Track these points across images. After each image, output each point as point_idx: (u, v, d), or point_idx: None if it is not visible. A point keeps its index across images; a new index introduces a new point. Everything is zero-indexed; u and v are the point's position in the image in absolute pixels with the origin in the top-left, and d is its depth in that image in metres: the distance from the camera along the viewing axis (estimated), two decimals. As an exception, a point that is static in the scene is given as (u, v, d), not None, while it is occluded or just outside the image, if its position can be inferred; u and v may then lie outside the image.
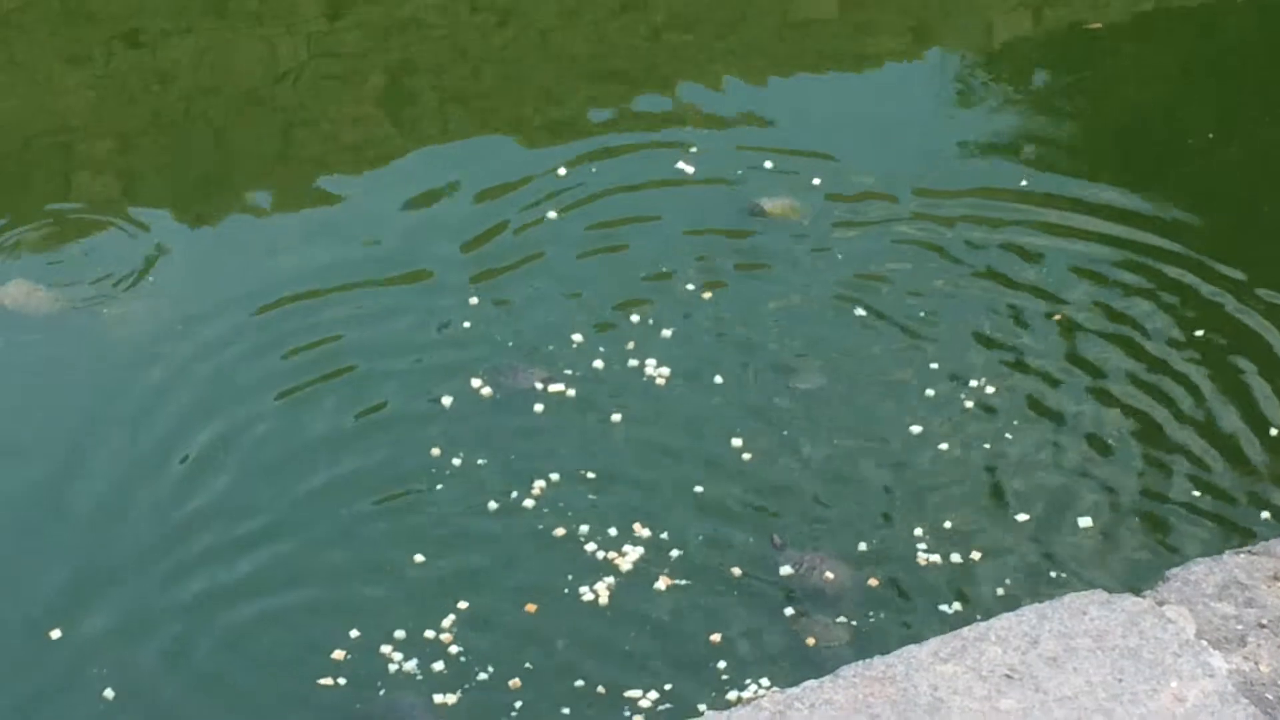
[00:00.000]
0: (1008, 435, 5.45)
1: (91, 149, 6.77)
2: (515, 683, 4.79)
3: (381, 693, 4.76)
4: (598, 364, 5.69)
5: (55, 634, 4.94)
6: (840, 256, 6.11)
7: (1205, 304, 5.90)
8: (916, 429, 5.45)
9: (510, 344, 5.78)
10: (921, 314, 5.87)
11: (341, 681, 4.80)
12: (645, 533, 5.14)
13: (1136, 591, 3.91)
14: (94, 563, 5.16)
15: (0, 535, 5.29)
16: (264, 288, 6.05)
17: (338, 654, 4.86)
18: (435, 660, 4.84)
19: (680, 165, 6.53)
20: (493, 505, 5.24)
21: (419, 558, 5.10)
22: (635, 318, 5.86)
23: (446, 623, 4.93)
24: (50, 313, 6.00)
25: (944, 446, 5.41)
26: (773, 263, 6.11)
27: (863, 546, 5.11)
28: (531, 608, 4.97)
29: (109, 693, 4.79)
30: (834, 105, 6.95)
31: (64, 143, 6.80)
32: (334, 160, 6.76)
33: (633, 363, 5.70)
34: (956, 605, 4.94)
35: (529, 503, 5.25)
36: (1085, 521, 5.18)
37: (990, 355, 5.74)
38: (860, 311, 5.88)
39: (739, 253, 6.15)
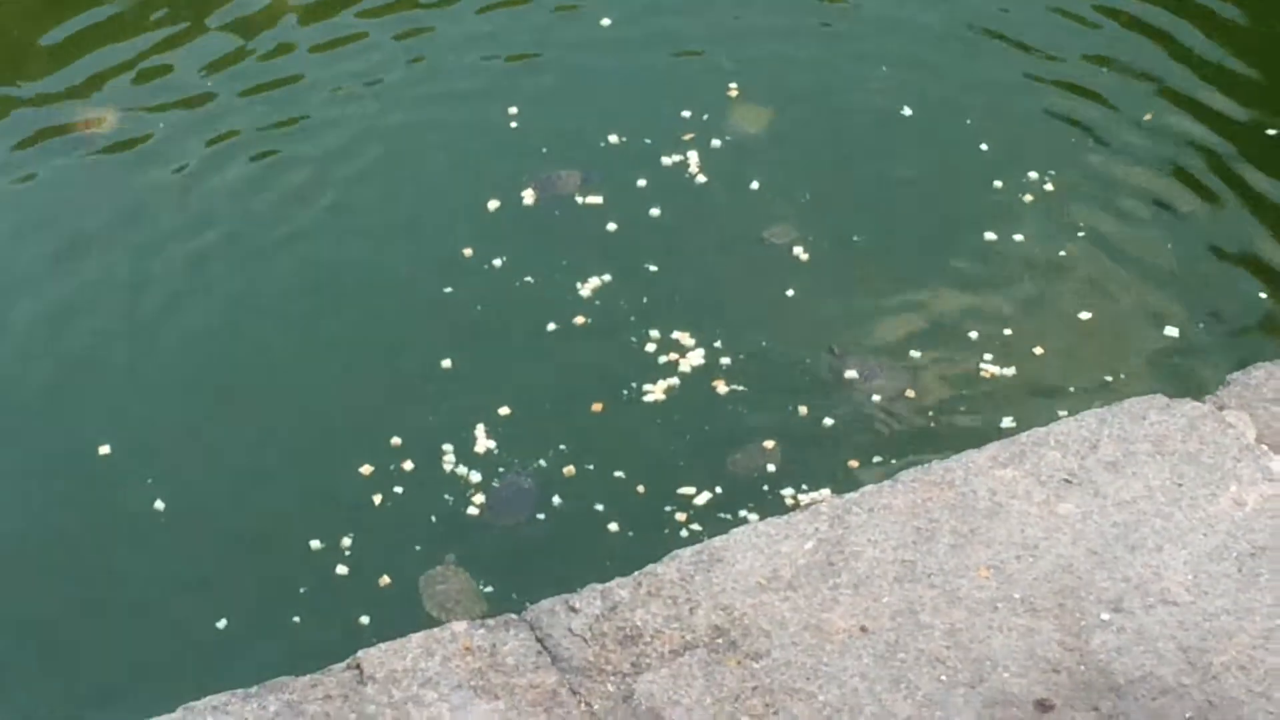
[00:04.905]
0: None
1: None
2: (569, 470, 4.84)
3: (449, 495, 4.82)
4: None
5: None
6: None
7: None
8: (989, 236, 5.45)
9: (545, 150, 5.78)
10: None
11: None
12: (700, 336, 5.15)
13: (1197, 396, 3.90)
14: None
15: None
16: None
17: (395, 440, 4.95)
18: (487, 460, 4.89)
19: None
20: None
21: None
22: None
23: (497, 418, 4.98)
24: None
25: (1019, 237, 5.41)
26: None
27: (916, 355, 5.11)
28: (597, 407, 5.00)
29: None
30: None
31: None
32: None
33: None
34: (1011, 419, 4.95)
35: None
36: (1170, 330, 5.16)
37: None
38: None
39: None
